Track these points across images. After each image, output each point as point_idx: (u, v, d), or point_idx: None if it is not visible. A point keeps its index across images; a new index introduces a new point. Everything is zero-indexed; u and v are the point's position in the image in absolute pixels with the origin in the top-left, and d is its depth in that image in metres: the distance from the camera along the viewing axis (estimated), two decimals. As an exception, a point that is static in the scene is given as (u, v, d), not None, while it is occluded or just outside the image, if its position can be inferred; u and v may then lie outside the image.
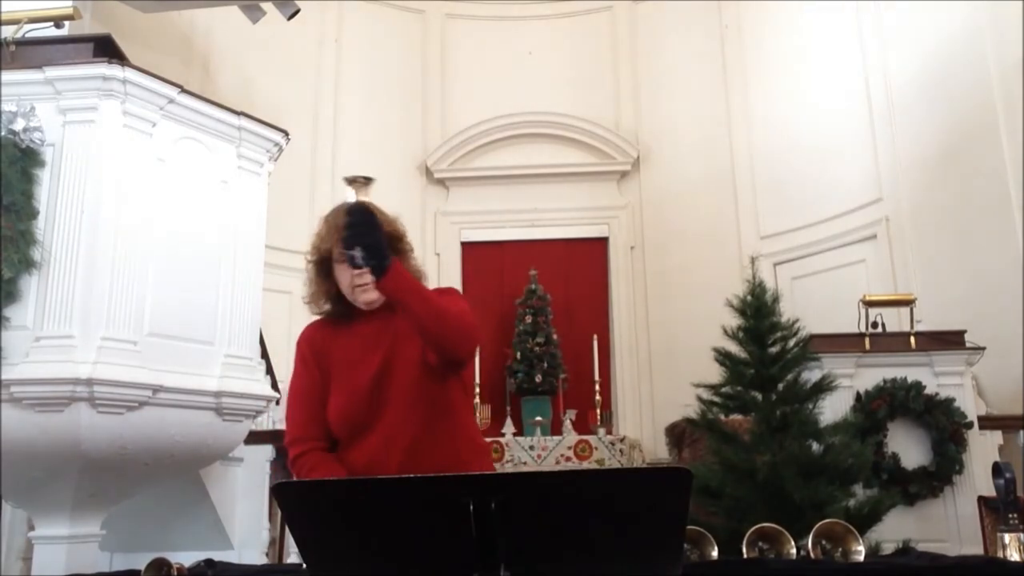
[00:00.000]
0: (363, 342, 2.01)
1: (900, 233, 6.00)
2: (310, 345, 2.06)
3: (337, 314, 2.06)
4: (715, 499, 3.19)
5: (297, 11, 6.21)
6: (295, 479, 1.96)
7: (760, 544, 2.27)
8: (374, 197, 2.17)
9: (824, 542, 2.25)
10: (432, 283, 2.08)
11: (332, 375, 2.02)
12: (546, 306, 7.05)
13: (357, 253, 1.79)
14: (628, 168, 7.73)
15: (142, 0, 5.66)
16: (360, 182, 2.00)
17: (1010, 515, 2.21)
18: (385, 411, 1.95)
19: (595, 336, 6.78)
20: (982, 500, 3.81)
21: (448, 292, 2.07)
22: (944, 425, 4.10)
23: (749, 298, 3.52)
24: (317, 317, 2.10)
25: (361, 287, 1.97)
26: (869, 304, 4.40)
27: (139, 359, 2.85)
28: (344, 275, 1.99)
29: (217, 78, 6.72)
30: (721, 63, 7.57)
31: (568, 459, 5.94)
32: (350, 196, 1.95)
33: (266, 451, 4.29)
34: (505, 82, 7.82)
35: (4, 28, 3.13)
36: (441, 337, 1.87)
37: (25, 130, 2.79)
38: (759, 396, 3.41)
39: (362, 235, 1.79)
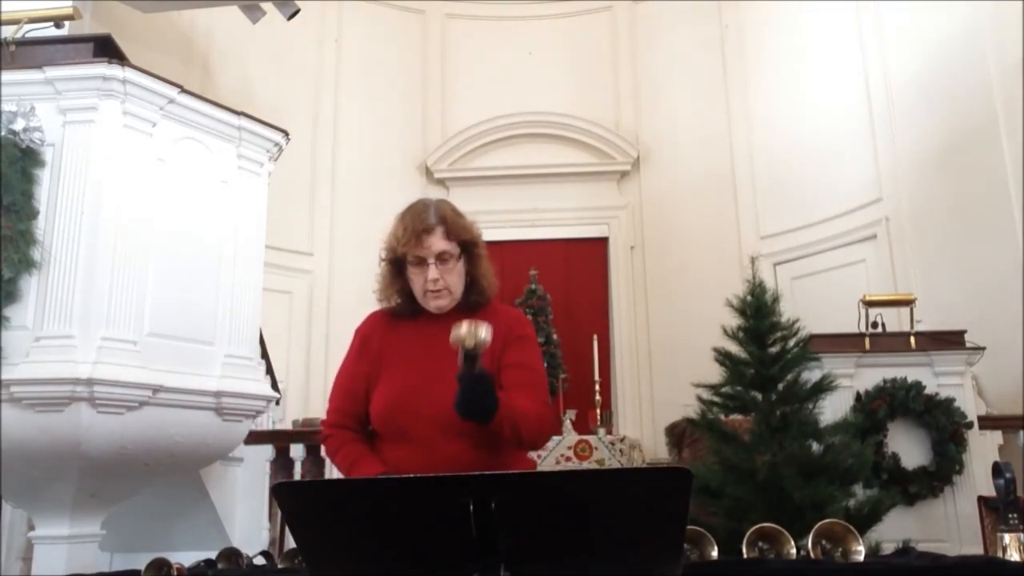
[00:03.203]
0: (425, 340, 2.00)
1: (900, 233, 6.00)
2: (365, 337, 2.08)
3: (406, 309, 2.06)
4: (715, 499, 3.19)
5: (297, 11, 6.21)
6: (297, 480, 1.96)
7: (760, 544, 2.26)
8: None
9: (824, 542, 2.25)
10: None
11: (385, 364, 2.01)
12: (546, 306, 7.03)
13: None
14: (628, 168, 7.73)
15: (142, 0, 5.66)
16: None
17: (1010, 515, 2.21)
18: (429, 419, 1.90)
19: (595, 336, 6.76)
20: (982, 500, 3.81)
21: (526, 354, 2.04)
22: (944, 425, 4.09)
23: (749, 298, 3.51)
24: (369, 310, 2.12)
25: (434, 293, 1.99)
26: (869, 304, 4.40)
27: (139, 359, 2.85)
28: (418, 279, 2.00)
29: (217, 78, 6.72)
30: (721, 63, 7.57)
31: (568, 459, 5.93)
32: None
33: (266, 451, 4.30)
34: (505, 82, 7.82)
35: (4, 28, 3.12)
36: (518, 443, 1.93)
37: (25, 130, 2.79)
38: (759, 396, 3.41)
39: (474, 403, 1.77)
